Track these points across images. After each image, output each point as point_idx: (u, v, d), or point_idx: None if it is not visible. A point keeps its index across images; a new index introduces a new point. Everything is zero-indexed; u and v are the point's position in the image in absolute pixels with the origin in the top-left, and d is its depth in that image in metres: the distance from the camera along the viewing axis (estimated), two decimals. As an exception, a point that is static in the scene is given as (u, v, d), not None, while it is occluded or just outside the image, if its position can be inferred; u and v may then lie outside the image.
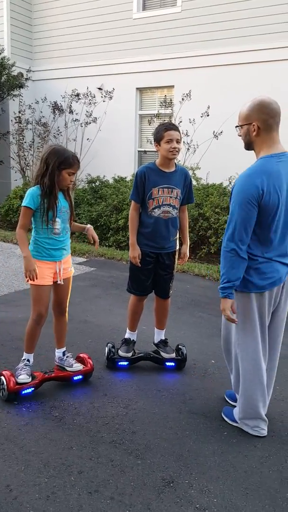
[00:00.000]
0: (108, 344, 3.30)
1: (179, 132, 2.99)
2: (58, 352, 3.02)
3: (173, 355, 3.26)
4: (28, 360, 2.82)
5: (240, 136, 2.37)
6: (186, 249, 3.24)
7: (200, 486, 2.09)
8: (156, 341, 3.36)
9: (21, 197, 8.77)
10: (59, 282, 2.78)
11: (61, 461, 2.21)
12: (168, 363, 3.25)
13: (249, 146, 2.36)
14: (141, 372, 3.19)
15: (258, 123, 2.21)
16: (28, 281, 2.68)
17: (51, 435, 2.42)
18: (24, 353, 2.86)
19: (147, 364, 3.31)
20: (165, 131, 2.93)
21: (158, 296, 3.29)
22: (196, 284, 5.54)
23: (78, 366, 2.96)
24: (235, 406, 2.63)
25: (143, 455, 2.29)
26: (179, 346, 3.33)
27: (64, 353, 3.01)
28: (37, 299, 2.73)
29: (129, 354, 3.26)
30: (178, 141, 2.94)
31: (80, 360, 3.05)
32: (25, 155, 9.55)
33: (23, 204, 2.64)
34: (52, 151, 2.63)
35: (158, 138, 2.98)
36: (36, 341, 2.84)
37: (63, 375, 2.94)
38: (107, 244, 7.59)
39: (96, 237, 2.93)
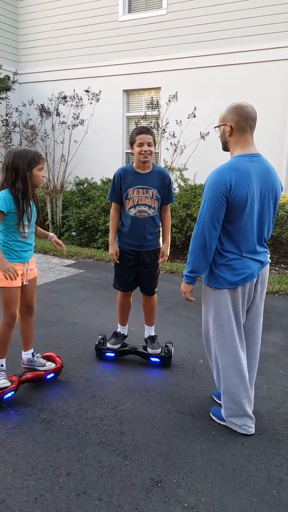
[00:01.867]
0: (99, 336, 3.46)
1: (152, 135, 3.07)
2: (27, 354, 3.03)
3: (158, 351, 3.34)
4: (2, 365, 2.81)
5: (219, 137, 2.45)
6: (166, 248, 3.29)
7: (188, 485, 2.10)
8: (145, 337, 3.45)
9: (9, 200, 8.72)
10: (25, 283, 2.79)
11: (49, 464, 2.21)
12: (152, 359, 3.33)
13: (224, 146, 2.45)
14: (129, 372, 3.20)
15: (232, 124, 2.32)
16: None
17: (39, 438, 2.41)
18: None
19: (135, 364, 3.32)
20: (136, 135, 3.06)
21: (143, 293, 3.39)
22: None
23: (50, 365, 3.03)
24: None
25: (131, 456, 2.30)
26: (166, 344, 3.40)
27: (33, 354, 3.04)
28: (8, 302, 2.72)
29: (116, 346, 3.40)
30: (149, 144, 3.04)
31: (48, 358, 3.10)
32: (12, 158, 9.50)
33: None
34: (15, 157, 2.61)
35: (131, 142, 3.16)
36: (8, 345, 2.82)
37: (37, 375, 2.97)
38: (95, 246, 7.58)
39: (60, 242, 3.01)
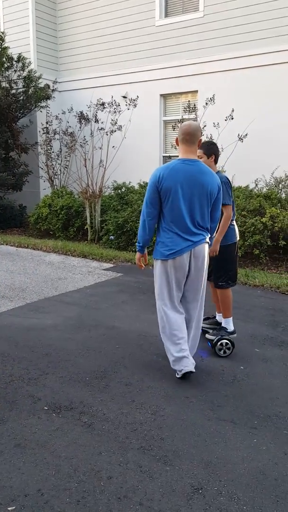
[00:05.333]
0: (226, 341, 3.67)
1: (201, 149, 3.51)
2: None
3: (212, 338, 3.69)
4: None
5: None
6: (213, 245, 3.55)
7: (230, 493, 2.08)
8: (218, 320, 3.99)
9: (50, 206, 8.96)
10: None
11: (90, 466, 2.25)
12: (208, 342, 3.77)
13: None
14: (169, 378, 3.20)
15: (178, 137, 3.10)
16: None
17: (80, 441, 2.45)
18: None
19: (174, 370, 3.32)
20: None
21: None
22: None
23: None
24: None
25: (171, 462, 2.30)
26: (226, 338, 3.59)
27: None
28: None
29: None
30: (199, 156, 3.46)
31: None
32: (53, 165, 9.77)
33: None
34: None
35: None
36: None
37: None
38: (133, 249, 7.64)
39: None
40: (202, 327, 3.78)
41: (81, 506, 1.99)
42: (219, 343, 3.56)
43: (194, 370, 3.10)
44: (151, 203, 3.06)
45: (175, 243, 3.02)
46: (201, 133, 3.15)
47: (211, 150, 3.59)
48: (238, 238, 3.75)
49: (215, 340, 3.59)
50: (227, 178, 3.57)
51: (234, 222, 3.73)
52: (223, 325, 3.78)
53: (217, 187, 3.07)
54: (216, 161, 3.65)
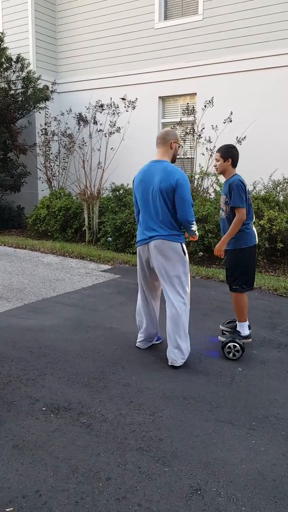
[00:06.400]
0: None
1: (219, 152, 3.64)
2: None
3: (222, 339, 3.74)
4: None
5: None
6: (218, 244, 3.62)
7: (228, 494, 2.08)
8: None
9: (48, 207, 8.95)
10: None
11: (89, 467, 2.24)
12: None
13: None
14: (167, 379, 3.20)
15: None
16: None
17: (79, 442, 2.45)
18: None
19: (174, 371, 3.32)
20: None
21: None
22: (222, 290, 5.51)
23: None
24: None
25: (170, 462, 2.30)
26: (229, 342, 3.58)
27: None
28: None
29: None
30: (216, 160, 3.62)
31: None
32: (51, 166, 9.76)
33: None
34: None
35: None
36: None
37: None
38: (131, 251, 7.64)
39: None
40: (222, 329, 3.95)
41: (79, 507, 1.98)
42: (227, 346, 3.55)
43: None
44: (135, 201, 3.55)
45: (139, 234, 3.50)
46: (174, 136, 3.40)
47: (228, 153, 3.57)
48: (255, 242, 3.65)
49: (224, 342, 3.58)
50: (241, 181, 3.51)
51: (252, 226, 3.65)
52: (237, 329, 3.74)
53: (169, 184, 3.23)
54: (234, 165, 3.61)
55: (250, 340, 3.74)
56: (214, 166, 3.67)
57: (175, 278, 3.38)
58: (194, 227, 3.42)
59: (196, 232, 3.49)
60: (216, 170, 3.68)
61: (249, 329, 3.75)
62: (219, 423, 2.67)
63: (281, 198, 7.19)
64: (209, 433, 2.56)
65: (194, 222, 3.39)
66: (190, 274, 3.79)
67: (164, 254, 3.35)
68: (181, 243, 3.39)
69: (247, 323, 3.73)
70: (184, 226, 3.39)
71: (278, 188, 7.26)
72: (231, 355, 3.55)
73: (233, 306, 3.78)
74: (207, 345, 3.84)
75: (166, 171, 3.27)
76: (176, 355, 3.37)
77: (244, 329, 3.71)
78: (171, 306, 3.39)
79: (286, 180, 7.27)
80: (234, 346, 3.54)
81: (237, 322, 3.76)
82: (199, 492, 2.09)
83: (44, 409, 2.75)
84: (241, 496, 2.07)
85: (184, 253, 3.41)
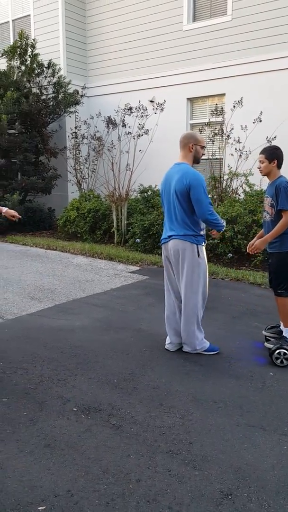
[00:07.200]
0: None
1: (263, 153, 3.53)
2: None
3: (270, 346, 3.62)
4: None
5: None
6: (259, 242, 3.59)
7: (260, 500, 2.05)
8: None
9: (78, 209, 9.07)
10: None
11: (119, 469, 2.26)
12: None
13: None
14: (196, 382, 3.19)
15: None
16: None
17: (109, 443, 2.47)
18: None
19: (203, 374, 3.31)
20: None
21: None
22: (252, 293, 5.44)
23: None
24: None
25: (200, 466, 2.29)
26: (285, 347, 3.47)
27: None
28: None
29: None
30: (261, 161, 3.54)
31: None
32: (81, 169, 9.89)
33: None
34: None
35: None
36: None
37: None
38: (159, 252, 7.64)
39: (14, 212, 3.78)
40: (265, 335, 3.87)
41: (110, 508, 2.00)
42: (276, 352, 3.46)
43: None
44: (162, 203, 3.69)
45: (164, 233, 3.63)
46: (193, 138, 3.47)
47: (273, 155, 3.49)
48: None
49: (272, 349, 3.49)
50: None
51: None
52: (284, 334, 3.64)
53: (183, 185, 3.35)
54: (279, 166, 3.51)
55: None
56: (258, 168, 3.56)
57: (186, 277, 3.50)
58: (219, 222, 3.46)
59: (223, 224, 3.52)
60: (260, 172, 3.58)
61: None
62: (250, 427, 2.64)
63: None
64: (240, 437, 2.54)
65: (217, 217, 3.43)
66: (209, 276, 3.84)
67: (178, 253, 3.49)
68: (197, 245, 3.47)
69: None
70: (207, 224, 3.50)
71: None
72: (279, 361, 3.45)
73: (278, 311, 3.72)
74: (237, 348, 3.80)
75: (181, 173, 3.40)
76: (185, 348, 3.69)
77: None
78: (182, 303, 3.62)
79: None
80: (284, 354, 3.44)
81: (282, 328, 3.66)
82: (229, 497, 2.07)
83: (75, 409, 2.79)
84: (273, 503, 2.04)
85: (199, 255, 3.49)
